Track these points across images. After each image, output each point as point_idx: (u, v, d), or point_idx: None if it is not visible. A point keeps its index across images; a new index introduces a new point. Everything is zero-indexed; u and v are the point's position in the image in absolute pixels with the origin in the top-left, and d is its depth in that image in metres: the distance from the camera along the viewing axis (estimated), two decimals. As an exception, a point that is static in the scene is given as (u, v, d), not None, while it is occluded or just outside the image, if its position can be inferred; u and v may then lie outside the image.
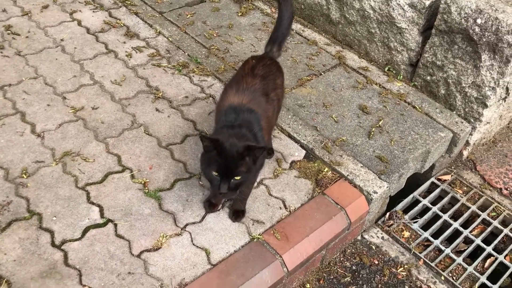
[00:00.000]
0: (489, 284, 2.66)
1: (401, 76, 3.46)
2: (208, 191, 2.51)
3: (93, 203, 2.42)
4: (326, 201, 2.61)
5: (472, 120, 3.16)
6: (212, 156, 1.99)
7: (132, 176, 2.58)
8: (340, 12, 3.61)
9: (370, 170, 2.77)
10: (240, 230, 2.41)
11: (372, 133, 3.00)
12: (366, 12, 3.44)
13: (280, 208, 2.54)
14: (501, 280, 2.69)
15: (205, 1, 4.02)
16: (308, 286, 2.56)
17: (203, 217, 2.44)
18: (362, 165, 2.79)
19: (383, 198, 2.77)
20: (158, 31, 3.62)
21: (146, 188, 2.53)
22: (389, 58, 3.49)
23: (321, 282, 2.59)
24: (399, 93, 3.33)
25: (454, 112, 3.23)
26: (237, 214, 2.42)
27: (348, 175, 2.72)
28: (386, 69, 3.53)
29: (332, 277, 2.62)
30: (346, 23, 3.62)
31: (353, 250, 2.76)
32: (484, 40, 2.86)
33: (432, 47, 3.18)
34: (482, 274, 2.70)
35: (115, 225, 2.34)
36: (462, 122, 3.17)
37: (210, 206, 2.45)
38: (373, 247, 2.78)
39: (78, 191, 2.47)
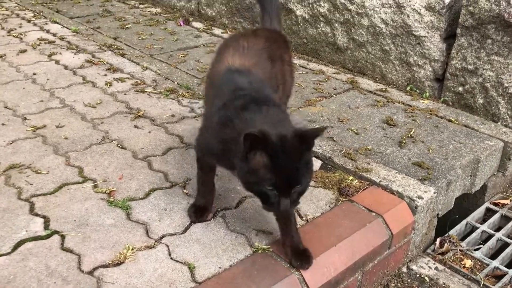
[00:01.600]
0: None
1: (427, 94, 2.95)
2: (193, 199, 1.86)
3: (37, 215, 1.77)
4: (356, 208, 1.93)
5: (523, 129, 2.57)
6: (259, 163, 1.34)
7: (95, 186, 1.94)
8: (348, 35, 3.23)
9: (408, 176, 2.12)
10: (238, 242, 1.71)
11: (404, 142, 2.40)
12: (377, 28, 3.05)
13: (294, 217, 1.85)
14: None
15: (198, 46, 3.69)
16: (342, 326, 1.76)
17: (187, 228, 1.76)
18: (397, 171, 2.15)
19: (430, 211, 2.07)
20: (145, 67, 3.21)
21: (112, 197, 1.89)
22: (410, 76, 3.01)
23: (359, 324, 1.79)
24: (428, 108, 2.79)
25: (499, 123, 2.66)
26: (308, 257, 1.61)
27: (380, 181, 2.07)
28: (408, 88, 3.03)
29: None
30: (356, 46, 3.21)
31: (398, 284, 1.99)
32: (524, 21, 2.41)
33: (460, 50, 2.71)
34: None
35: (62, 237, 1.67)
36: (511, 131, 2.58)
37: (197, 213, 1.78)
38: (426, 279, 2.01)
39: (20, 203, 1.83)
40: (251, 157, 1.35)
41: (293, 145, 1.34)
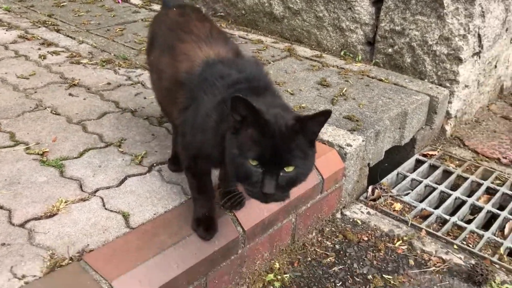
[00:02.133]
0: (516, 248, 2.01)
1: (360, 58, 3.06)
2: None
3: (-36, 177, 1.73)
4: (288, 156, 1.99)
5: (448, 84, 2.72)
6: (248, 136, 1.20)
7: (27, 149, 1.92)
8: (283, 4, 3.29)
9: (339, 128, 2.21)
10: (174, 191, 1.75)
11: (336, 100, 2.49)
12: (310, -5, 3.13)
13: (228, 167, 1.90)
14: (530, 243, 2.04)
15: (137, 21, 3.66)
16: (277, 266, 1.83)
17: (122, 181, 1.78)
18: (328, 124, 2.24)
19: (360, 159, 2.17)
20: (81, 40, 3.16)
21: (45, 157, 1.87)
22: (344, 41, 3.12)
23: (295, 265, 1.87)
24: (360, 70, 2.90)
25: (426, 80, 2.80)
26: (238, 198, 1.54)
27: (312, 133, 2.15)
28: (342, 53, 3.13)
29: (309, 259, 1.91)
30: (291, 14, 3.29)
31: (333, 228, 2.08)
32: (443, -20, 2.54)
33: (388, 12, 2.83)
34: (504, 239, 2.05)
35: (-8, 195, 1.64)
36: (437, 87, 2.73)
37: (204, 225, 1.54)
38: (359, 222, 2.11)
39: None
40: (241, 133, 1.21)
41: (288, 127, 1.19)
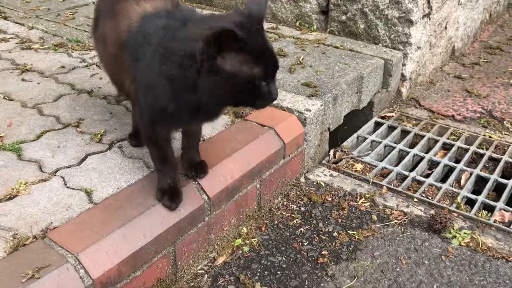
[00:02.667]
0: (472, 197, 2.10)
1: (315, 27, 3.09)
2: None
3: None
4: (249, 124, 2.02)
5: (401, 47, 2.78)
6: (237, 60, 1.19)
7: (-19, 136, 1.88)
8: (236, -22, 3.28)
9: (297, 94, 2.24)
10: (136, 166, 1.74)
11: (294, 69, 2.52)
12: (262, -33, 3.12)
13: (190, 139, 1.90)
14: (485, 191, 2.13)
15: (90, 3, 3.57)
16: (245, 231, 1.86)
17: (83, 160, 1.76)
18: (286, 92, 2.27)
19: (320, 123, 2.21)
20: (30, 26, 3.07)
21: (1, 142, 1.83)
22: (298, 12, 3.13)
23: (263, 229, 1.91)
24: (316, 39, 2.93)
25: (380, 44, 2.85)
26: (203, 167, 1.67)
27: (271, 101, 2.18)
28: (298, 23, 3.15)
29: (276, 222, 1.95)
30: (245, -12, 3.28)
31: (297, 192, 2.12)
32: None
33: (339, -20, 2.86)
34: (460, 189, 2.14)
35: None
36: (391, 51, 2.79)
37: (169, 195, 1.54)
38: (322, 184, 2.16)
39: None
40: (221, 62, 1.19)
41: (254, 29, 1.20)
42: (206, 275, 1.69)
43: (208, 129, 1.98)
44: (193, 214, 1.59)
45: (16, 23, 3.14)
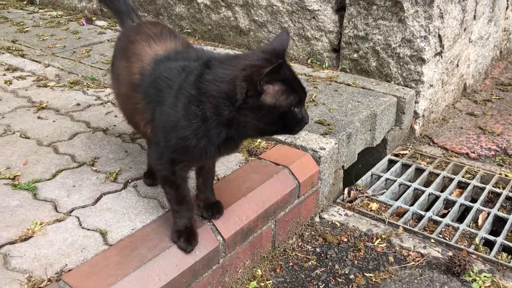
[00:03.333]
0: (491, 238, 2.06)
1: (326, 64, 3.12)
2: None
3: None
4: (264, 163, 2.01)
5: (413, 85, 2.79)
6: (276, 91, 1.26)
7: (-3, 174, 1.89)
8: (249, 17, 3.34)
9: (311, 132, 2.24)
10: (151, 206, 1.74)
11: (306, 106, 2.52)
12: (274, 7, 3.18)
13: (205, 178, 1.90)
14: (504, 232, 2.09)
15: (103, 42, 3.64)
16: (260, 273, 1.83)
17: (98, 199, 1.76)
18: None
19: (334, 162, 2.20)
20: (47, 64, 3.13)
21: (17, 181, 1.84)
22: (310, 50, 3.17)
23: (278, 271, 1.87)
24: (327, 76, 2.95)
25: (392, 82, 2.87)
26: (219, 207, 1.67)
27: (285, 139, 2.18)
28: (309, 61, 3.19)
29: (291, 263, 1.92)
30: (257, 27, 3.33)
31: (312, 232, 2.09)
32: (401, -15, 2.63)
33: (351, 19, 2.90)
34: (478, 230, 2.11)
35: (-37, 223, 1.60)
36: (403, 88, 2.80)
37: (185, 236, 1.54)
38: (338, 224, 2.13)
39: None
40: (263, 97, 1.25)
41: (280, 60, 1.26)
42: (221, 318, 1.65)
43: (222, 168, 1.98)
44: (208, 256, 1.57)
45: (33, 60, 3.20)
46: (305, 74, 3.00)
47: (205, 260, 1.57)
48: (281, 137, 2.19)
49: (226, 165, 2.01)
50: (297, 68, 3.11)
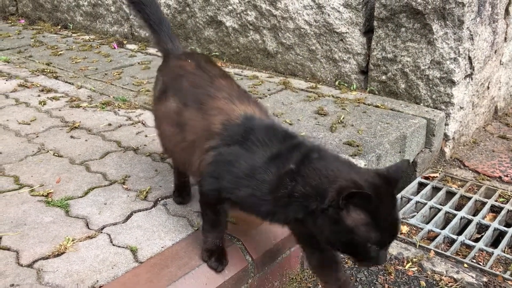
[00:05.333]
0: (527, 264, 1.99)
1: (354, 86, 3.12)
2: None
3: (-31, 222, 1.73)
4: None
5: (443, 107, 2.77)
6: (358, 219, 1.20)
7: (32, 191, 1.93)
8: (276, 40, 3.38)
9: (340, 153, 2.23)
10: (180, 224, 1.75)
11: (335, 127, 2.53)
12: (302, 30, 3.22)
13: (233, 198, 1.91)
14: (541, 258, 2.03)
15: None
16: (289, 295, 1.81)
17: (128, 217, 1.78)
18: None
19: (364, 184, 2.18)
20: (79, 85, 3.22)
21: (50, 198, 1.88)
22: (337, 72, 3.18)
23: (306, 293, 1.85)
24: (355, 98, 2.95)
25: (421, 104, 2.85)
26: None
27: (314, 160, 2.17)
28: (337, 83, 3.19)
29: (320, 286, 1.89)
30: (285, 49, 3.37)
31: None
32: (430, 7, 2.63)
33: (379, 41, 2.91)
34: (514, 255, 2.04)
35: (-1, 238, 1.64)
36: (433, 110, 2.77)
37: (216, 256, 1.55)
38: (367, 247, 2.09)
39: (-49, 213, 1.78)
40: (344, 214, 1.20)
41: (386, 193, 1.23)
42: None
43: (251, 188, 1.98)
44: (237, 276, 1.56)
45: (66, 82, 3.29)
46: (332, 96, 3.00)
47: (234, 280, 1.56)
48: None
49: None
50: (324, 90, 3.12)
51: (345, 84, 3.17)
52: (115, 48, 4.18)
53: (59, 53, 4.04)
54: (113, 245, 1.62)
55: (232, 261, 1.56)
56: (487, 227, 2.25)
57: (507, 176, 2.65)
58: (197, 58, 1.80)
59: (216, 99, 1.53)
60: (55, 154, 2.25)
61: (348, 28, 3.03)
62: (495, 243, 2.20)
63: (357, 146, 2.31)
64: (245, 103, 1.53)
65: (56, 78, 3.38)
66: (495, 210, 2.40)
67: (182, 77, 1.67)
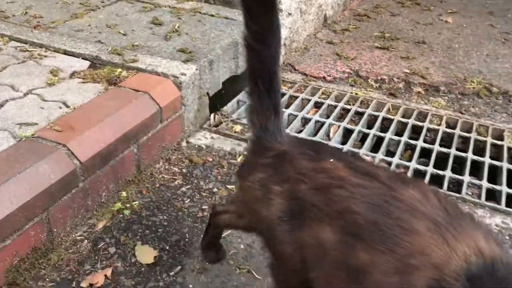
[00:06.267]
0: (339, 146, 2.30)
1: (191, -3, 3.12)
2: None
3: None
4: (124, 90, 2.02)
5: (273, 14, 2.90)
6: None
7: None
8: None
9: (172, 60, 2.27)
10: (0, 137, 1.67)
11: (170, 36, 2.54)
12: None
13: (61, 107, 1.87)
14: (351, 141, 2.34)
15: None
16: (125, 195, 1.88)
17: None
18: (162, 58, 2.28)
19: (197, 88, 2.27)
20: None
21: None
22: (173, -18, 3.13)
23: (144, 193, 1.93)
24: (192, 8, 2.96)
25: (254, 12, 2.95)
26: None
27: (146, 67, 2.20)
28: (173, -7, 3.16)
29: (158, 185, 1.98)
30: None
31: (179, 156, 2.17)
32: None
33: (211, -51, 2.90)
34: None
35: None
36: (264, 17, 2.90)
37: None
38: (204, 147, 2.23)
39: None
40: None
41: None
42: (86, 240, 1.68)
43: (79, 98, 1.95)
44: (64, 179, 1.58)
45: None
46: (169, 6, 2.97)
47: (62, 183, 1.57)
48: (142, 66, 2.19)
49: (84, 95, 1.98)
50: (161, 0, 3.07)
51: (181, -5, 3.14)
52: None
53: None
54: None
55: (58, 166, 1.57)
56: (310, 120, 2.52)
57: (329, 76, 2.94)
58: (337, 152, 1.23)
59: (412, 234, 0.94)
60: None
61: None
62: (316, 134, 2.48)
63: (190, 52, 2.36)
64: (458, 232, 0.92)
65: None
66: (318, 105, 2.68)
67: (336, 190, 1.07)
